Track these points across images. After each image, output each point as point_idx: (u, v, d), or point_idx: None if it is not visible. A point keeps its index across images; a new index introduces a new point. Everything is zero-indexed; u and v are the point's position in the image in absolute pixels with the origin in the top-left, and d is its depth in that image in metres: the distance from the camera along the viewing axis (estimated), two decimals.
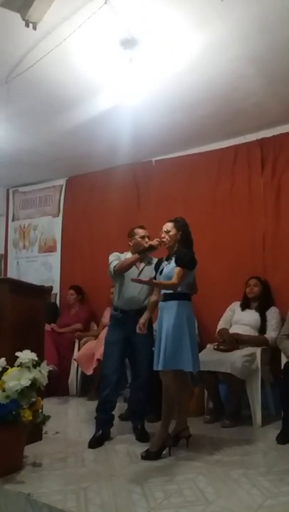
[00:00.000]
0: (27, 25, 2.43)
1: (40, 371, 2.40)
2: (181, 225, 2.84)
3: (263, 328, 3.56)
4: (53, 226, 5.60)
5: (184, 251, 2.75)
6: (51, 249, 5.59)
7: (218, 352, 3.42)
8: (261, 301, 3.69)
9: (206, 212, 4.25)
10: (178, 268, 2.67)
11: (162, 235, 2.84)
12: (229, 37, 2.75)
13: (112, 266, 3.06)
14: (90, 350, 4.20)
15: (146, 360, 2.97)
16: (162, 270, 2.81)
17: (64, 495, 2.06)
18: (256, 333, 3.56)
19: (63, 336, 4.67)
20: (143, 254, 3.02)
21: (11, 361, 2.42)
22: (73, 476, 2.33)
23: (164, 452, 2.62)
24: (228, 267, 4.04)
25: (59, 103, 3.59)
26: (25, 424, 2.31)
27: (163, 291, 2.79)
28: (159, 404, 2.72)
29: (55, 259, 5.52)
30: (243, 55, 2.95)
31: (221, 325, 3.77)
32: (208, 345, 3.62)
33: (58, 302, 5.33)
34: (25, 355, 2.41)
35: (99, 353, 3.85)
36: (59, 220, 5.54)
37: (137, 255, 3.03)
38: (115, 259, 3.10)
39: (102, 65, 3.05)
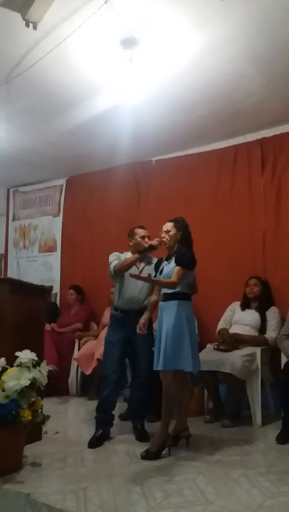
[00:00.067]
0: (27, 25, 2.43)
1: (39, 371, 2.40)
2: (181, 225, 2.84)
3: (263, 328, 3.56)
4: (53, 226, 5.60)
5: (183, 250, 2.75)
6: (51, 249, 5.59)
7: (218, 352, 3.42)
8: (261, 301, 3.69)
9: (206, 212, 4.25)
10: (178, 267, 2.67)
11: (162, 235, 2.84)
12: (229, 37, 2.75)
13: (112, 266, 3.06)
14: (90, 350, 4.20)
15: (146, 360, 2.97)
16: (162, 270, 2.81)
17: (63, 495, 2.06)
18: (256, 333, 3.56)
19: (63, 335, 4.67)
20: (143, 254, 3.02)
21: (11, 361, 2.42)
22: (73, 475, 2.33)
23: (163, 452, 2.62)
24: (228, 266, 4.04)
25: (59, 103, 3.59)
26: (24, 424, 2.31)
27: (163, 291, 2.79)
28: (159, 404, 2.72)
29: (55, 259, 5.53)
30: (243, 55, 2.94)
31: (221, 325, 3.77)
32: (208, 345, 3.62)
33: (58, 302, 5.33)
34: (25, 355, 2.41)
35: (99, 353, 3.85)
36: (59, 219, 5.55)
37: (137, 255, 3.03)
38: (115, 259, 3.10)
39: (102, 64, 3.05)
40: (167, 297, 2.74)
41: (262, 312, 3.62)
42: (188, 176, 4.45)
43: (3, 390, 2.30)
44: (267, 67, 3.10)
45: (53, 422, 2.78)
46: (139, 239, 3.12)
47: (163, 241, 2.84)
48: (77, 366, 4.41)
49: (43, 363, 2.48)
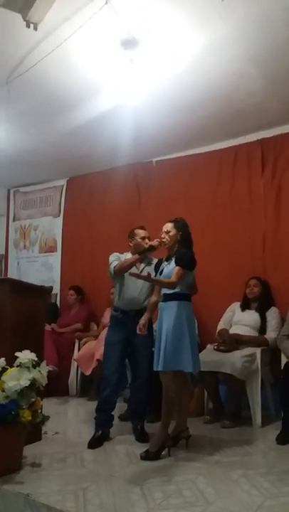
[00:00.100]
0: (28, 26, 2.43)
1: (39, 371, 2.40)
2: (181, 226, 2.84)
3: (262, 329, 3.56)
4: (53, 226, 5.60)
5: (183, 251, 2.75)
6: (52, 249, 5.59)
7: (218, 352, 3.42)
8: (261, 301, 3.69)
9: (206, 213, 4.25)
10: (177, 267, 2.67)
11: (162, 236, 2.84)
12: (230, 37, 2.75)
13: (112, 266, 3.06)
14: (90, 351, 4.20)
15: (146, 361, 2.97)
16: (162, 270, 2.81)
17: (63, 495, 2.06)
18: (256, 334, 3.55)
19: (63, 336, 4.67)
20: (143, 254, 3.01)
21: (11, 361, 2.42)
22: (72, 476, 2.33)
23: (163, 453, 2.62)
24: (228, 267, 4.04)
25: (60, 104, 3.59)
26: (24, 425, 2.31)
27: (163, 292, 2.78)
28: (158, 405, 2.72)
29: (55, 259, 5.53)
30: (243, 56, 2.95)
31: (221, 325, 3.76)
32: (208, 346, 3.62)
33: (58, 302, 5.34)
34: (25, 356, 2.41)
35: (99, 354, 3.85)
36: (60, 220, 5.55)
37: (137, 256, 3.03)
38: (115, 259, 3.10)
39: (103, 65, 3.05)
40: (167, 298, 2.74)
41: (262, 313, 3.62)
42: (189, 177, 4.45)
43: (3, 391, 2.30)
44: (267, 68, 3.10)
45: (52, 422, 2.78)
46: (139, 240, 3.12)
47: (163, 241, 2.84)
48: (77, 367, 4.41)
49: (43, 364, 2.48)
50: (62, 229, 5.50)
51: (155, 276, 2.84)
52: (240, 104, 3.56)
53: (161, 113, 3.69)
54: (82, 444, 2.83)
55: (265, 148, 4.03)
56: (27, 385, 2.31)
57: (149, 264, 3.12)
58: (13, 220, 6.06)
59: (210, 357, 3.35)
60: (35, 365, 2.42)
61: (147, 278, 2.66)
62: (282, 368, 3.16)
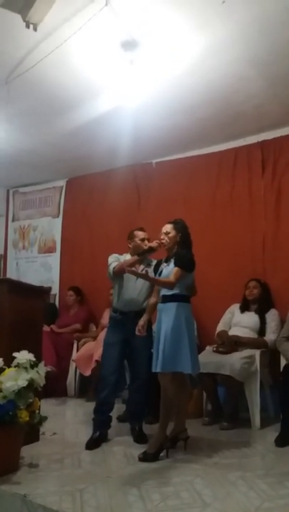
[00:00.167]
0: (27, 27, 2.44)
1: (37, 372, 2.40)
2: (181, 227, 2.83)
3: (262, 331, 3.56)
4: (52, 227, 5.60)
5: (183, 252, 2.75)
6: (51, 250, 5.59)
7: (217, 354, 3.42)
8: (261, 303, 3.69)
9: (206, 215, 4.26)
10: (176, 268, 2.67)
11: (162, 237, 2.84)
12: (229, 39, 2.76)
13: (111, 267, 3.06)
14: (89, 352, 4.20)
15: (144, 362, 2.97)
16: (161, 271, 2.81)
17: (60, 496, 2.05)
18: (255, 336, 3.55)
19: (62, 336, 4.66)
20: (142, 255, 3.01)
21: (9, 361, 2.41)
22: (70, 477, 2.32)
23: (161, 454, 2.61)
24: (228, 269, 4.04)
25: (59, 104, 3.59)
26: (21, 425, 2.31)
27: (162, 293, 2.78)
28: (157, 406, 2.72)
29: (54, 260, 5.53)
30: (243, 58, 2.95)
31: (220, 327, 3.76)
32: (208, 347, 3.62)
33: (57, 303, 5.33)
34: (23, 356, 2.41)
35: (97, 354, 3.84)
36: (59, 221, 5.55)
37: (136, 257, 3.03)
38: (114, 260, 3.10)
39: (103, 66, 3.05)
40: (166, 299, 2.74)
41: (261, 314, 3.62)
42: (189, 178, 4.46)
43: (1, 391, 2.30)
44: (267, 70, 3.10)
45: (50, 423, 2.77)
46: (138, 241, 3.11)
47: (162, 243, 2.84)
48: (76, 367, 4.40)
49: (41, 364, 2.48)
50: (62, 230, 5.50)
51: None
52: (240, 106, 3.56)
53: (160, 114, 3.70)
54: (80, 445, 2.83)
55: (266, 150, 4.03)
56: (25, 385, 2.30)
57: (148, 265, 3.11)
58: (13, 221, 6.05)
59: (209, 358, 3.35)
60: (33, 365, 2.42)
61: (145, 276, 2.66)
62: (281, 369, 3.16)
